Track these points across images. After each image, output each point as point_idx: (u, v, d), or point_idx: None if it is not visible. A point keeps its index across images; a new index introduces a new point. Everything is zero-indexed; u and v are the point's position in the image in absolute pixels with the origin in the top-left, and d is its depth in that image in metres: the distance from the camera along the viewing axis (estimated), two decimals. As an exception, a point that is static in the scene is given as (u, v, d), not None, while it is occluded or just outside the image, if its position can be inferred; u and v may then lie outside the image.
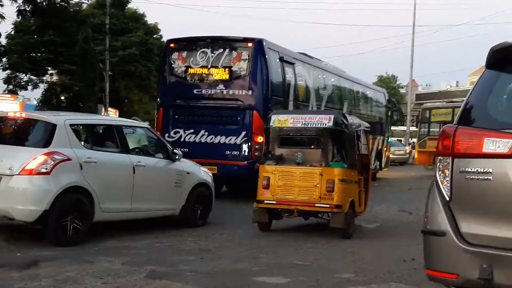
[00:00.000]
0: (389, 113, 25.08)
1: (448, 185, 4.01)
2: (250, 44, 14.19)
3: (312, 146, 9.69)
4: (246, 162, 13.79)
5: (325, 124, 9.44)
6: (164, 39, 38.61)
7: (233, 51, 14.32)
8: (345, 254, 7.88)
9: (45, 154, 7.77)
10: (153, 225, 9.63)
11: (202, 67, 14.49)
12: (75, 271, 6.32)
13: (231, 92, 14.15)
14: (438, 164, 4.10)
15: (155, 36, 37.20)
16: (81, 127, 9.10)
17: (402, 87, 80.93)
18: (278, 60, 14.86)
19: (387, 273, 6.74)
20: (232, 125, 14.02)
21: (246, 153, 13.82)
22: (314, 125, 9.53)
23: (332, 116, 9.57)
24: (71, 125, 8.41)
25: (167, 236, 8.86)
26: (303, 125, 9.62)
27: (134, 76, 34.07)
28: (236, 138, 13.95)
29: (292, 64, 15.65)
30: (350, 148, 9.64)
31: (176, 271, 6.62)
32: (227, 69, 14.26)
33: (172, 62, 14.84)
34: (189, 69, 14.62)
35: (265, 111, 13.77)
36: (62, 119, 8.41)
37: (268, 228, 9.74)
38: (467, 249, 3.82)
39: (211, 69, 14.39)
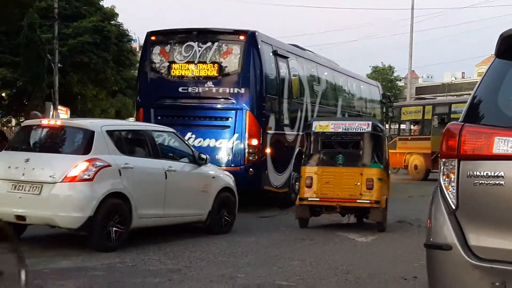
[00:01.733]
0: (384, 110, 25.41)
1: (454, 191, 4.04)
2: (242, 37, 14.48)
3: (352, 149, 12.14)
4: (239, 167, 13.95)
5: (364, 129, 11.90)
6: (124, 26, 38.50)
7: (223, 45, 14.62)
8: (337, 272, 7.92)
9: (86, 161, 8.88)
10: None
11: (188, 62, 14.77)
12: (22, 298, 6.27)
13: (221, 90, 14.46)
14: (442, 167, 4.13)
15: (112, 22, 36.95)
16: (116, 133, 9.97)
17: (400, 80, 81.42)
18: (271, 54, 15.21)
19: (385, 294, 6.80)
20: (223, 127, 14.30)
21: (239, 158, 14.06)
22: (354, 130, 12.02)
23: (370, 122, 12.17)
24: (107, 131, 9.51)
25: (130, 254, 8.83)
26: (343, 130, 12.08)
27: (88, 69, 33.75)
28: (227, 141, 14.24)
29: (286, 58, 16.00)
30: (384, 150, 12.32)
31: (141, 295, 6.61)
32: (216, 64, 14.56)
33: (154, 57, 15.08)
34: (173, 64, 14.89)
35: (260, 110, 14.32)
36: (99, 125, 9.66)
37: (307, 224, 11.95)
38: (477, 264, 3.85)
39: (198, 64, 14.68)
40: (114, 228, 8.99)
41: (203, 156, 10.98)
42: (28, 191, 8.82)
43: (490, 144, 3.90)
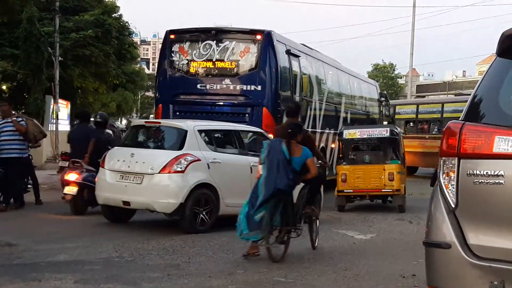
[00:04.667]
0: (381, 108, 25.74)
1: (454, 190, 4.03)
2: (259, 37, 15.06)
3: (375, 150, 15.37)
4: None
5: (384, 134, 15.09)
6: (125, 18, 38.39)
7: (240, 44, 15.21)
8: (336, 270, 7.92)
9: (180, 155, 10.39)
10: (112, 236, 9.60)
11: (206, 60, 15.36)
12: (20, 291, 6.28)
13: (238, 87, 15.05)
14: (442, 166, 4.13)
15: (113, 15, 36.88)
16: (206, 132, 11.39)
17: (401, 77, 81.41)
18: (285, 52, 15.75)
19: (384, 292, 6.80)
20: (240, 122, 14.61)
21: None
22: (376, 136, 15.17)
23: (388, 129, 15.38)
24: (198, 130, 11.00)
25: (128, 249, 8.84)
26: (368, 136, 15.21)
27: (89, 62, 33.71)
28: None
29: (298, 56, 16.59)
30: (400, 149, 15.32)
31: (139, 290, 6.61)
32: (233, 62, 15.19)
33: (173, 55, 15.66)
34: (192, 62, 15.51)
35: (275, 107, 14.94)
36: (192, 125, 11.10)
37: (344, 209, 14.42)
38: (476, 263, 3.86)
39: (216, 62, 15.28)
40: (203, 214, 10.47)
41: None
42: (132, 180, 10.48)
43: (491, 143, 3.90)
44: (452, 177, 4.04)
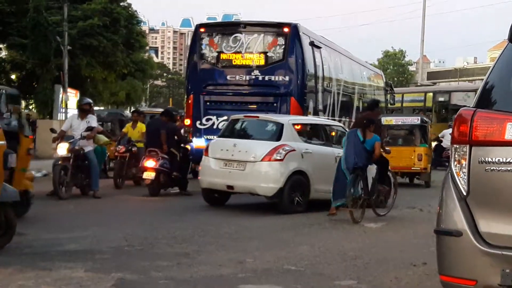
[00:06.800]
0: (387, 96, 26.07)
1: (465, 177, 4.02)
2: (286, 29, 15.93)
3: (407, 135, 18.84)
4: None
5: (416, 122, 18.75)
6: (133, 7, 38.34)
7: (268, 36, 16.08)
8: (346, 258, 7.92)
9: (278, 146, 11.78)
10: (121, 226, 9.63)
11: (236, 52, 16.23)
12: (30, 280, 6.30)
13: (266, 78, 15.85)
14: (453, 153, 4.12)
15: (121, 4, 36.87)
16: (299, 125, 12.81)
17: (412, 64, 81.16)
18: (309, 44, 16.52)
19: (395, 280, 6.79)
20: (268, 111, 15.25)
21: None
22: (409, 123, 18.86)
23: (419, 117, 19.11)
24: (293, 124, 12.44)
25: (138, 238, 8.86)
26: (402, 123, 18.93)
27: (97, 52, 33.73)
28: None
29: (319, 48, 17.37)
30: (428, 135, 18.83)
31: (148, 278, 6.62)
32: (262, 54, 16.03)
33: (203, 48, 16.50)
34: (222, 54, 16.36)
35: (302, 96, 15.84)
36: (287, 119, 12.63)
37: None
38: (487, 251, 3.85)
39: (245, 54, 16.14)
40: (298, 198, 11.85)
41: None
42: (236, 167, 11.82)
43: (502, 130, 3.89)
44: (464, 165, 4.03)
